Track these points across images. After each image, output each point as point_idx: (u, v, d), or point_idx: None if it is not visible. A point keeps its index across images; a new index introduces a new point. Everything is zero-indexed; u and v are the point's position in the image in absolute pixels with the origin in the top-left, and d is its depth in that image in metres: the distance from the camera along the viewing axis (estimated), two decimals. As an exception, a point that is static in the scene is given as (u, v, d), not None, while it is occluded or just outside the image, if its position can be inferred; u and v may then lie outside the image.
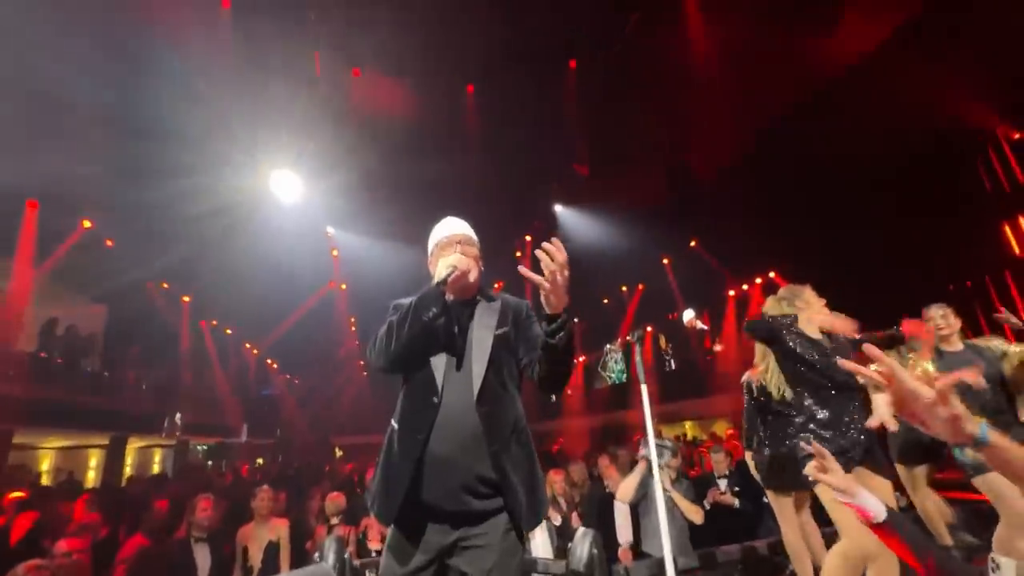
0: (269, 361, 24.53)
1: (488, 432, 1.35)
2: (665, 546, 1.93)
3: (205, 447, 18.23)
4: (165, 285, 16.67)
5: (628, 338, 2.34)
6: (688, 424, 18.26)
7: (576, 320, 24.53)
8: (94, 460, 15.26)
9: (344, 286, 19.42)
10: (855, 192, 9.80)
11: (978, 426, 1.00)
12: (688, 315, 3.08)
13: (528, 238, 18.07)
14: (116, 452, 14.01)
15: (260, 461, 20.28)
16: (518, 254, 19.00)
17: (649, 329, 18.96)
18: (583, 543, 3.20)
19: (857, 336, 2.52)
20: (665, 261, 17.66)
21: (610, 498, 4.15)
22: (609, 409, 19.76)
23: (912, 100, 8.23)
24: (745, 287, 15.94)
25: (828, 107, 9.66)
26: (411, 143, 10.58)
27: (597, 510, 4.01)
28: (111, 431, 13.21)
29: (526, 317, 1.59)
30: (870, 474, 2.23)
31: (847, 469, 2.22)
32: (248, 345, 24.54)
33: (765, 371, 2.90)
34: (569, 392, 23.06)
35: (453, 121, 10.60)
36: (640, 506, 3.88)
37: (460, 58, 9.31)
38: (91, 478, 14.28)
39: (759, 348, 2.98)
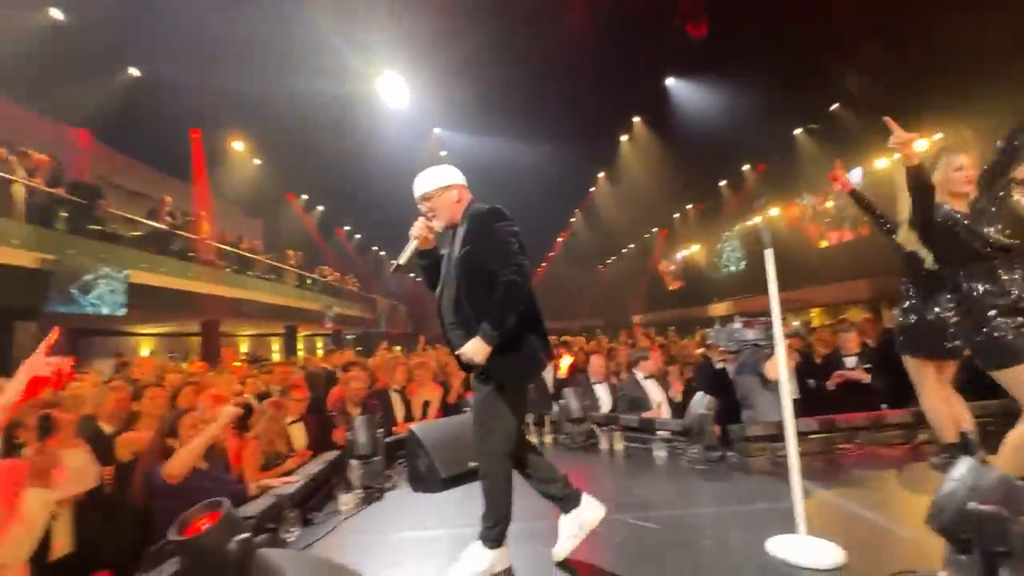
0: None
1: (467, 334, 1.88)
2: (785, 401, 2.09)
3: (353, 335, 21.38)
4: (305, 196, 18.82)
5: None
6: (815, 311, 17.16)
7: (694, 205, 23.32)
8: (276, 345, 18.95)
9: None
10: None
11: None
12: (855, 176, 2.88)
13: (636, 119, 16.86)
14: (290, 339, 17.36)
15: (398, 349, 23.43)
16: (624, 137, 17.96)
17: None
18: (699, 406, 3.53)
19: None
20: (797, 132, 15.57)
21: (722, 373, 4.36)
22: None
23: None
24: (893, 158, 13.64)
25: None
26: (511, 26, 10.10)
27: (709, 382, 4.26)
28: (285, 322, 16.20)
29: (480, 233, 1.93)
30: None
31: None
32: (375, 248, 27.26)
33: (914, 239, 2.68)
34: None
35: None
36: (739, 381, 4.05)
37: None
38: (275, 359, 17.84)
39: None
